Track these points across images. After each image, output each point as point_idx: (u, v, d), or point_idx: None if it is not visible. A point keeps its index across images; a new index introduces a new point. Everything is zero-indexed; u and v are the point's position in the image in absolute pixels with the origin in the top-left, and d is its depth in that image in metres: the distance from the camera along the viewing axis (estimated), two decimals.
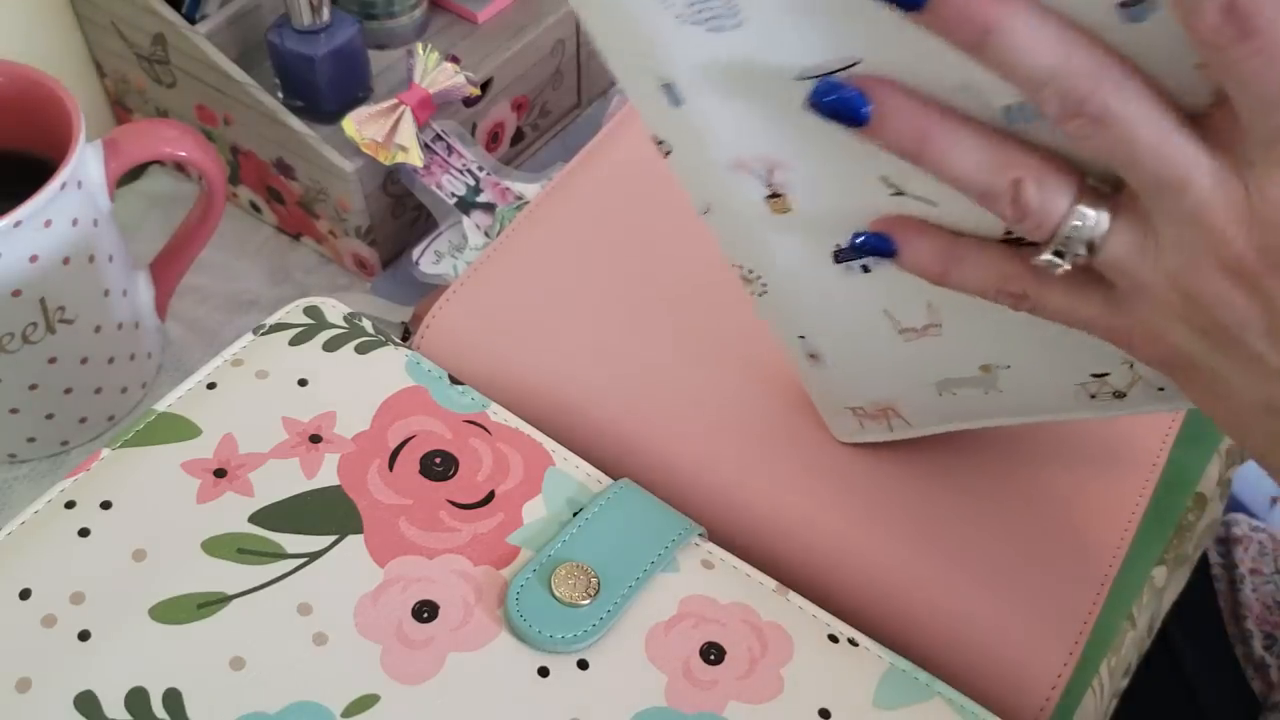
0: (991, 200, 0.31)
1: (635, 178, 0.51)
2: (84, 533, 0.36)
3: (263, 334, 0.42)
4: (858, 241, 0.34)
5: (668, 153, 0.36)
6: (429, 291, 0.57)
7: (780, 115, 0.33)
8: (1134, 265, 0.31)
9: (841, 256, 0.34)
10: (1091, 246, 0.31)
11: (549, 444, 0.40)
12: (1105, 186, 0.31)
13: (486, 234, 0.57)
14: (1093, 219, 0.31)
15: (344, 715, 0.33)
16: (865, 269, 0.36)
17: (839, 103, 0.31)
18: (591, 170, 0.51)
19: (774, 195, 0.35)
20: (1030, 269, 0.32)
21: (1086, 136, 0.29)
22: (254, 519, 0.37)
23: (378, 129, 0.55)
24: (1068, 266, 0.31)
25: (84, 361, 0.50)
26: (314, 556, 0.36)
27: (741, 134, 0.34)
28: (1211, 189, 0.29)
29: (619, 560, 0.37)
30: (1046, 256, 0.31)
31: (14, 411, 0.50)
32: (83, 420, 0.53)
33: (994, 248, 0.33)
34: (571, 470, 0.40)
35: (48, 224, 0.46)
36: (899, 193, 0.34)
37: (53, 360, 0.49)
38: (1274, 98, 0.27)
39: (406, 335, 0.53)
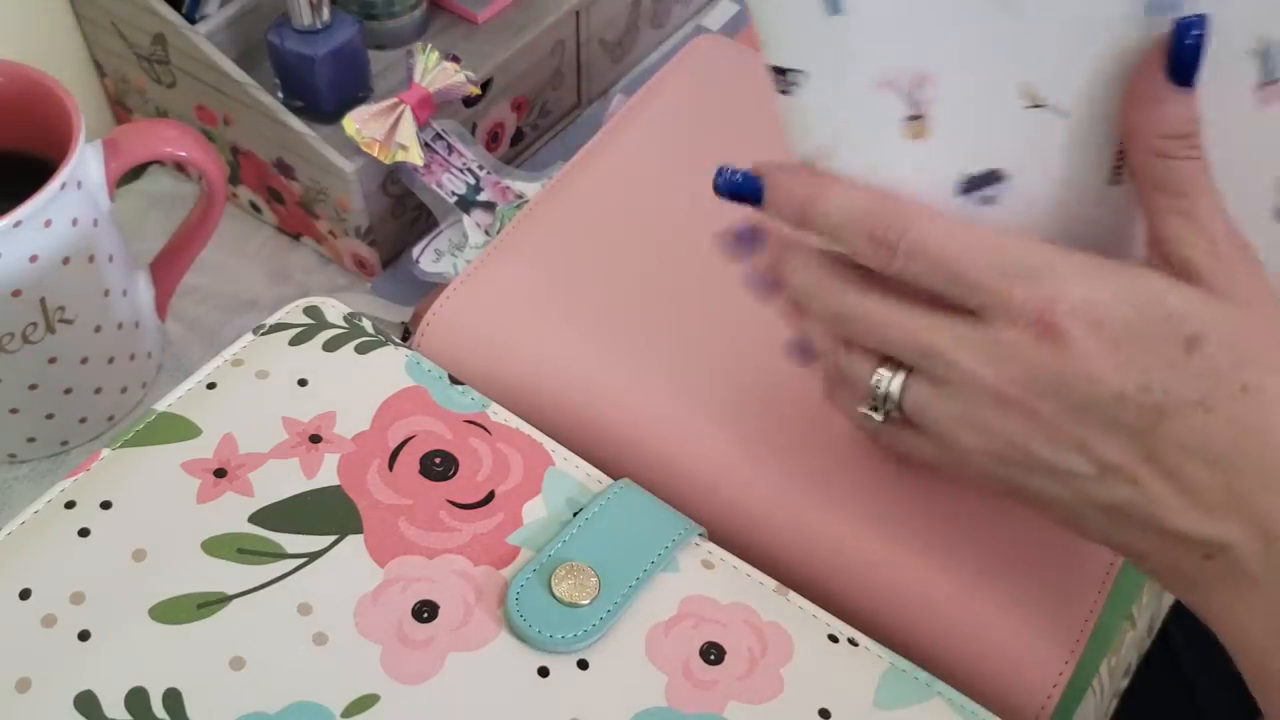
0: (826, 371, 0.40)
1: (635, 177, 0.51)
2: (84, 533, 0.36)
3: (263, 334, 0.42)
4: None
5: (791, 86, 0.36)
6: (429, 291, 0.57)
7: (945, 15, 0.34)
8: (927, 413, 0.37)
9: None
10: (888, 399, 0.37)
11: (549, 444, 0.40)
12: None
13: (487, 232, 0.57)
14: (888, 378, 0.37)
15: (344, 715, 0.33)
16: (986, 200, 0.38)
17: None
18: (591, 170, 0.51)
19: (914, 117, 0.36)
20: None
21: (893, 267, 0.36)
22: (254, 519, 0.37)
23: (378, 128, 0.55)
24: (879, 418, 0.38)
25: (84, 361, 0.50)
26: (314, 556, 0.36)
27: (901, 40, 0.35)
28: (954, 346, 0.35)
29: (619, 560, 0.37)
30: (863, 409, 0.38)
31: (14, 411, 0.50)
32: (83, 420, 0.53)
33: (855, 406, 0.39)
34: (571, 470, 0.39)
35: (48, 224, 0.46)
36: (1036, 105, 0.35)
37: (53, 360, 0.49)
38: (947, 279, 0.35)
39: (406, 335, 0.53)
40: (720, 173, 0.39)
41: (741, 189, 0.39)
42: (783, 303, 0.40)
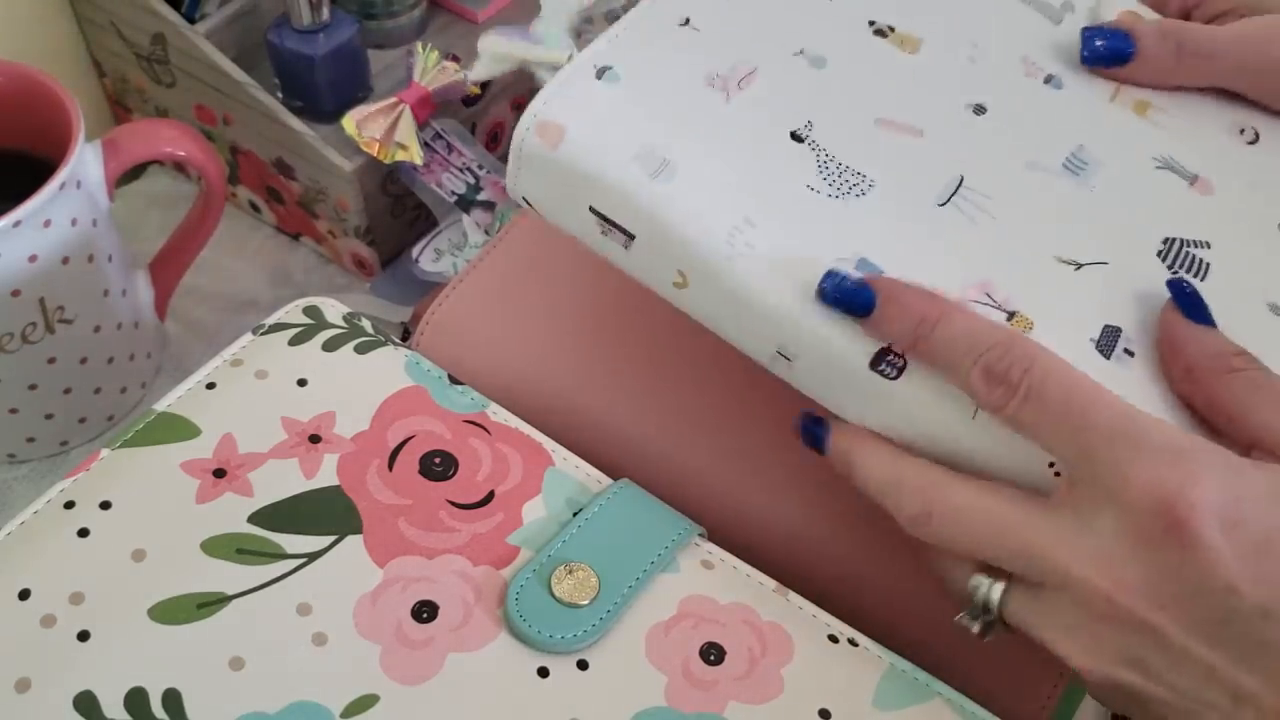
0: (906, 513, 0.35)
1: None
2: (83, 533, 0.36)
3: (262, 334, 0.42)
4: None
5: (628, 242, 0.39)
6: (429, 291, 0.57)
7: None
8: (1031, 627, 0.33)
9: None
10: (986, 609, 0.34)
11: (549, 444, 0.40)
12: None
13: (487, 232, 0.56)
14: (986, 585, 0.34)
15: (344, 715, 0.33)
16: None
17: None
18: None
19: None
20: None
21: (1009, 408, 0.33)
22: (253, 519, 0.37)
23: (377, 127, 0.55)
24: (976, 629, 0.35)
25: (83, 361, 0.50)
26: (313, 556, 0.36)
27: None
28: (1055, 544, 0.31)
29: (619, 560, 0.37)
30: (960, 617, 0.35)
31: (13, 411, 0.50)
32: (82, 420, 0.53)
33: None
34: (571, 470, 0.39)
35: (47, 224, 0.46)
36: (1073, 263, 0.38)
37: (52, 360, 0.49)
38: (1064, 437, 0.31)
39: (406, 335, 0.53)
40: (829, 277, 0.35)
41: (853, 299, 0.35)
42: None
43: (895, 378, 0.36)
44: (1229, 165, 0.41)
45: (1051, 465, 0.34)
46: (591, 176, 0.38)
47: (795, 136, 0.39)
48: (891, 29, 0.42)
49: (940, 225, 0.37)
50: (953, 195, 0.38)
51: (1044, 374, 0.32)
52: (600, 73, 0.38)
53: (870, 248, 0.37)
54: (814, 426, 0.38)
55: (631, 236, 0.38)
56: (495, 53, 0.50)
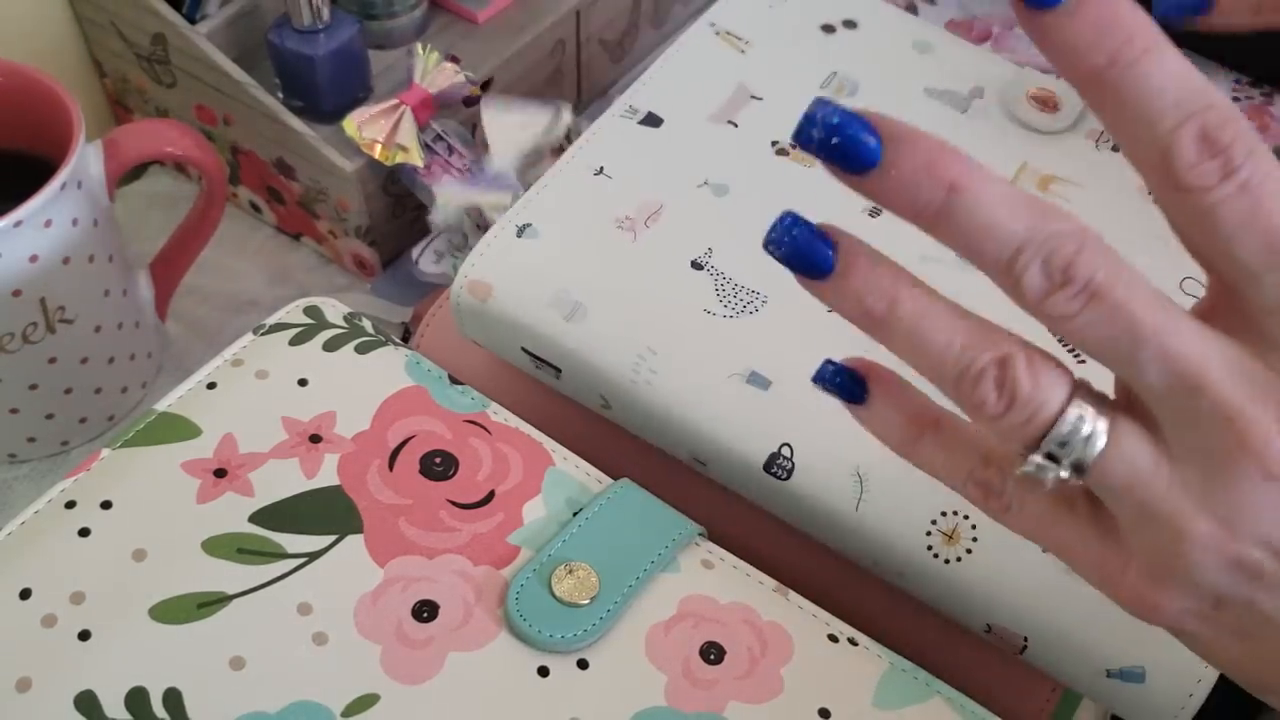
0: (969, 384, 0.25)
1: None
2: (84, 533, 0.36)
3: (263, 334, 0.42)
4: (829, 373, 0.28)
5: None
6: (429, 291, 0.57)
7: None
8: (1143, 486, 0.25)
9: (816, 379, 0.29)
10: (1080, 466, 0.25)
11: (549, 444, 0.40)
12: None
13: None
14: (1091, 421, 0.25)
15: (344, 715, 0.33)
16: None
17: (800, 245, 0.26)
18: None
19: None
20: (1008, 463, 0.27)
21: (1072, 315, 0.24)
22: (254, 519, 0.37)
23: (378, 129, 0.55)
24: (1064, 474, 0.25)
25: (84, 361, 0.50)
26: (314, 556, 0.36)
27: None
28: (1232, 385, 0.24)
29: (619, 560, 0.37)
30: (1038, 460, 0.25)
31: (14, 411, 0.50)
32: (83, 420, 0.53)
33: (968, 430, 0.28)
34: (571, 470, 0.39)
35: (48, 224, 0.46)
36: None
37: (53, 360, 0.49)
38: (1270, 245, 0.24)
39: (406, 335, 0.53)
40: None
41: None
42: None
43: (786, 479, 0.39)
44: (1136, 236, 0.42)
45: (929, 534, 0.37)
46: (517, 323, 0.42)
47: (695, 265, 0.42)
48: (794, 146, 0.44)
49: (830, 331, 0.37)
50: None
51: (1267, 169, 0.23)
52: (520, 230, 0.43)
53: (760, 361, 0.40)
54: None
55: (558, 370, 0.43)
56: (449, 199, 0.55)
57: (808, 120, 0.24)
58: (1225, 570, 0.25)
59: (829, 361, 0.28)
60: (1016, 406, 0.25)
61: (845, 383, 0.28)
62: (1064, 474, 0.25)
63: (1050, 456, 0.25)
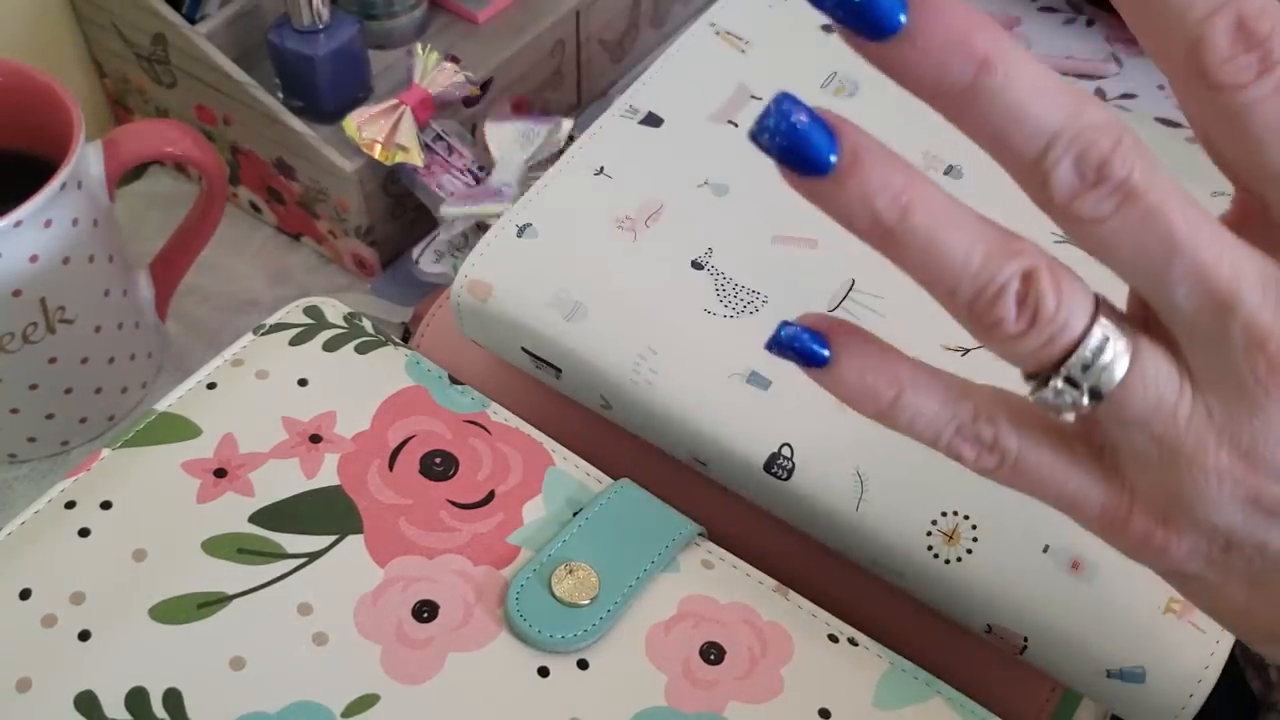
0: (986, 301, 0.22)
1: None
2: (84, 533, 0.36)
3: (263, 334, 0.42)
4: (784, 335, 0.25)
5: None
6: (429, 291, 0.57)
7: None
8: (1164, 415, 0.23)
9: (770, 346, 0.26)
10: (1098, 393, 0.23)
11: (549, 444, 0.40)
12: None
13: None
14: (1114, 343, 0.23)
15: (344, 715, 0.33)
16: None
17: (800, 134, 0.22)
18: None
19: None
20: (1011, 410, 0.25)
21: (1104, 218, 0.22)
22: (254, 519, 0.37)
23: (378, 129, 0.55)
24: (1085, 400, 0.23)
25: (84, 361, 0.50)
26: (314, 556, 0.36)
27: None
28: (1264, 304, 0.22)
29: (619, 560, 0.37)
30: (1057, 385, 0.23)
31: (14, 411, 0.50)
32: (83, 420, 0.53)
33: (953, 382, 0.25)
34: (571, 470, 0.39)
35: (48, 224, 0.46)
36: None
37: (53, 360, 0.49)
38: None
39: (406, 335, 0.53)
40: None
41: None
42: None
43: (786, 478, 0.39)
44: None
45: (930, 534, 0.37)
46: (517, 323, 0.42)
47: (695, 265, 0.42)
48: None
49: None
50: (843, 299, 0.42)
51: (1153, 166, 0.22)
52: (520, 230, 0.43)
53: (760, 361, 0.40)
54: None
55: (558, 370, 0.42)
56: (455, 214, 0.55)
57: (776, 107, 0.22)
58: (1242, 506, 0.24)
59: (785, 323, 0.25)
60: (1038, 326, 0.22)
61: (805, 344, 0.25)
62: (1085, 400, 0.23)
63: (1070, 381, 0.23)
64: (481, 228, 0.56)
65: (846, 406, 0.25)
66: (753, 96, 0.48)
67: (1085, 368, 0.23)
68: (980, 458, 0.25)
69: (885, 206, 0.22)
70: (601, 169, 0.45)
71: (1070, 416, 0.24)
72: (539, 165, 0.57)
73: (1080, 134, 0.21)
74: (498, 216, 0.54)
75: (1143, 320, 0.24)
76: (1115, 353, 0.23)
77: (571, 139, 0.58)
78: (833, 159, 0.22)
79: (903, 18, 0.21)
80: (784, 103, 0.22)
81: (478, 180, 0.58)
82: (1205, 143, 0.23)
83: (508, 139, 0.57)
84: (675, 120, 0.47)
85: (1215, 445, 0.23)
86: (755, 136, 0.22)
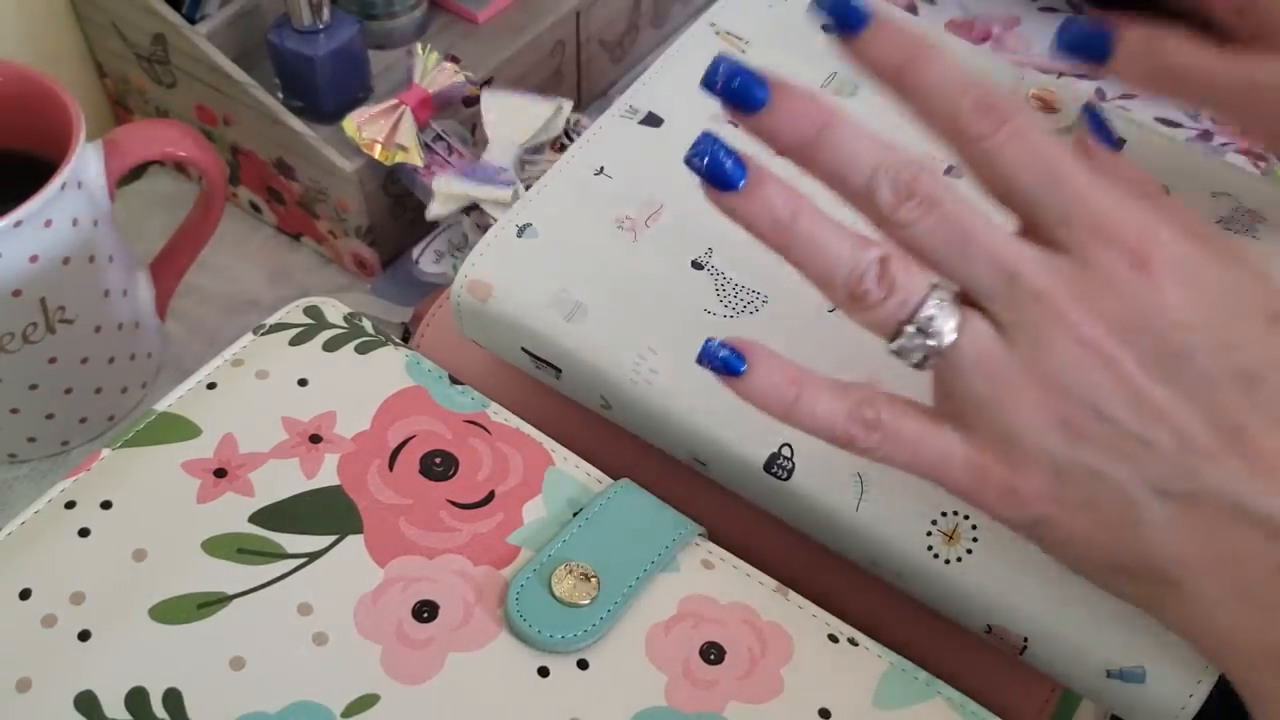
0: (855, 279, 0.31)
1: None
2: (84, 533, 0.36)
3: (263, 334, 0.42)
4: (709, 349, 0.33)
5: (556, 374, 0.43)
6: (429, 291, 0.57)
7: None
8: (988, 360, 0.31)
9: (699, 360, 0.34)
10: (939, 343, 0.31)
11: (549, 444, 0.40)
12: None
13: (485, 232, 0.56)
14: (948, 305, 0.31)
15: (344, 715, 0.33)
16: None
17: (718, 159, 0.32)
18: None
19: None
20: (885, 396, 0.33)
21: (915, 221, 0.31)
22: (254, 519, 0.37)
23: (378, 129, 0.55)
24: (930, 342, 0.31)
25: (84, 361, 0.50)
26: (314, 556, 0.36)
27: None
28: (1040, 271, 0.31)
29: (619, 560, 0.37)
30: (910, 330, 0.31)
31: (14, 411, 0.50)
32: (83, 420, 0.53)
33: (840, 383, 0.33)
34: (571, 470, 0.40)
35: (48, 224, 0.46)
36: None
37: (53, 360, 0.49)
38: (1043, 174, 0.31)
39: (406, 335, 0.53)
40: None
41: (849, 19, 0.33)
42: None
43: (786, 479, 0.39)
44: None
45: (930, 534, 0.38)
46: (517, 323, 0.42)
47: (696, 265, 0.43)
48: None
49: (829, 330, 0.41)
50: None
51: (1028, 118, 0.32)
52: (520, 230, 0.43)
53: None
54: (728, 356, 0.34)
55: (558, 370, 0.42)
56: (448, 193, 0.54)
57: (713, 69, 0.32)
58: (1056, 431, 0.31)
59: (710, 339, 0.33)
60: (894, 294, 0.31)
61: (728, 357, 0.33)
62: (931, 342, 0.31)
63: (920, 330, 0.31)
64: (484, 230, 0.56)
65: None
66: None
67: (930, 319, 0.31)
68: (867, 435, 0.32)
69: (781, 210, 0.31)
70: (601, 169, 0.45)
71: (919, 359, 0.32)
72: (535, 150, 0.57)
73: (892, 165, 0.31)
74: (492, 202, 0.54)
75: (967, 301, 0.32)
76: (948, 313, 0.31)
77: (569, 127, 0.57)
78: (742, 180, 0.32)
79: (765, 95, 0.31)
80: (706, 139, 0.32)
81: None
82: (981, 186, 0.32)
83: (506, 120, 0.56)
84: (675, 120, 0.47)
85: (1025, 383, 0.31)
86: (687, 160, 0.32)
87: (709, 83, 0.32)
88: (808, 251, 0.32)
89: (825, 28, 0.42)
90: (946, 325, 0.31)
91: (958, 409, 0.32)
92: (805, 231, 0.32)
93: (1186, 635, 0.33)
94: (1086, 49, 0.37)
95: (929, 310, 0.31)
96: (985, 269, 0.31)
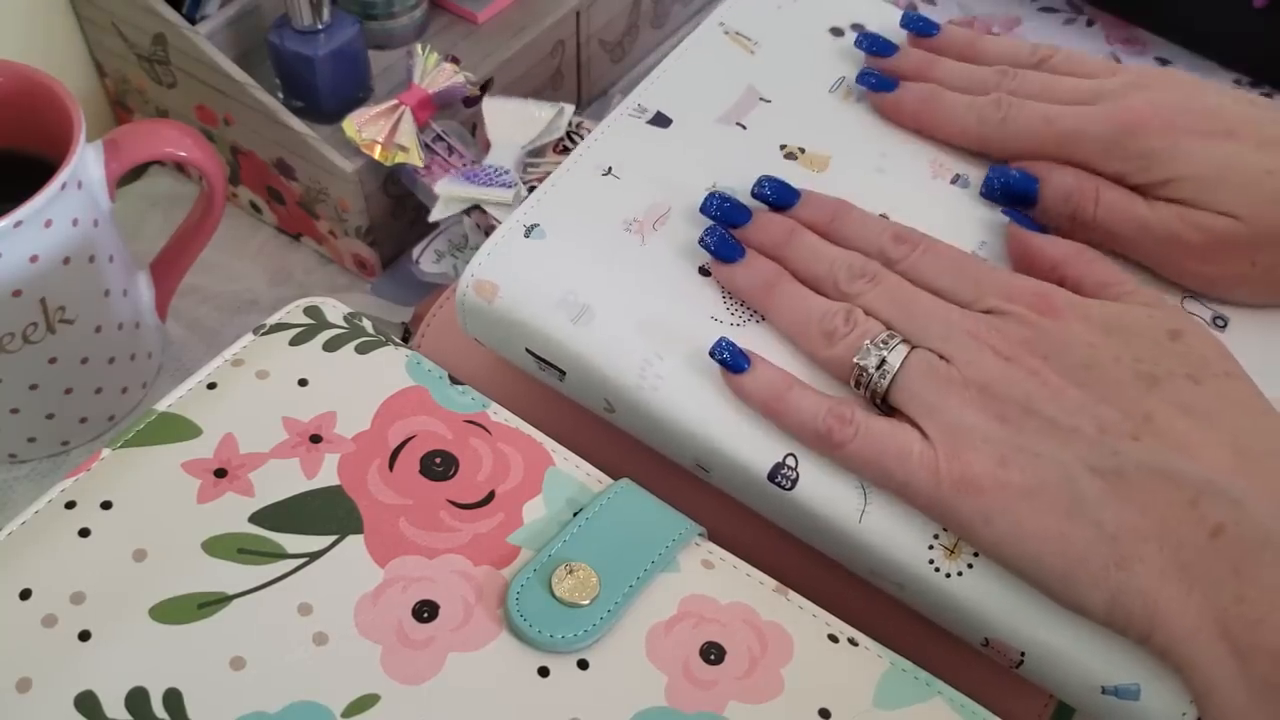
0: (828, 321, 0.40)
1: None
2: (84, 533, 0.36)
3: (263, 334, 0.42)
4: (724, 345, 0.40)
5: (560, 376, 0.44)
6: (429, 291, 0.57)
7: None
8: (933, 370, 0.38)
9: (712, 352, 0.40)
10: (884, 363, 0.38)
11: (549, 444, 0.40)
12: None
13: (486, 234, 0.56)
14: (899, 339, 0.39)
15: (344, 715, 0.33)
16: None
17: (723, 241, 0.42)
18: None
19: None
20: (857, 400, 0.39)
21: (866, 291, 0.40)
22: (254, 519, 0.37)
23: (378, 129, 0.55)
24: (890, 356, 0.38)
25: (84, 361, 0.50)
26: (314, 556, 0.36)
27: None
28: (969, 319, 0.39)
29: (619, 560, 0.37)
30: (869, 349, 0.39)
31: (14, 411, 0.50)
32: (83, 420, 0.53)
33: (818, 389, 0.40)
34: (571, 470, 0.40)
35: (48, 224, 0.46)
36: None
37: (53, 360, 0.49)
38: (954, 272, 0.41)
39: (407, 335, 0.53)
40: (761, 183, 0.43)
41: (781, 195, 0.43)
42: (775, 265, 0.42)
43: (790, 489, 0.39)
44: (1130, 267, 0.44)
45: (931, 548, 0.38)
46: (523, 324, 0.42)
47: (703, 271, 0.43)
48: (802, 150, 0.46)
49: None
50: None
51: (933, 240, 0.41)
52: (528, 231, 0.43)
53: None
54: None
55: (563, 372, 0.43)
56: (451, 195, 0.54)
57: (708, 201, 0.43)
58: (994, 422, 0.37)
59: (723, 339, 0.40)
60: (858, 327, 0.39)
61: (736, 355, 0.40)
62: (887, 355, 0.38)
63: (877, 347, 0.39)
64: (485, 231, 0.56)
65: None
66: (761, 99, 0.48)
67: (885, 340, 0.39)
68: (843, 428, 0.38)
69: (771, 277, 0.41)
70: (609, 169, 0.45)
71: (880, 372, 0.38)
72: (537, 152, 0.57)
73: (848, 257, 0.41)
74: (494, 203, 0.54)
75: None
76: (899, 340, 0.39)
77: (571, 128, 0.57)
78: (742, 256, 0.42)
79: (747, 217, 0.43)
80: (714, 230, 0.42)
81: None
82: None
83: (508, 122, 0.56)
84: (683, 121, 0.47)
85: (964, 389, 0.37)
86: (700, 241, 0.42)
87: (704, 208, 0.43)
88: (790, 304, 0.41)
89: (835, 31, 0.44)
90: (899, 348, 0.39)
91: (915, 420, 0.38)
92: (789, 290, 0.41)
93: (1141, 627, 0.35)
94: (1013, 194, 0.44)
95: (884, 336, 0.39)
96: (926, 320, 0.39)
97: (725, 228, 0.42)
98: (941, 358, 0.38)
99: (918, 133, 0.47)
